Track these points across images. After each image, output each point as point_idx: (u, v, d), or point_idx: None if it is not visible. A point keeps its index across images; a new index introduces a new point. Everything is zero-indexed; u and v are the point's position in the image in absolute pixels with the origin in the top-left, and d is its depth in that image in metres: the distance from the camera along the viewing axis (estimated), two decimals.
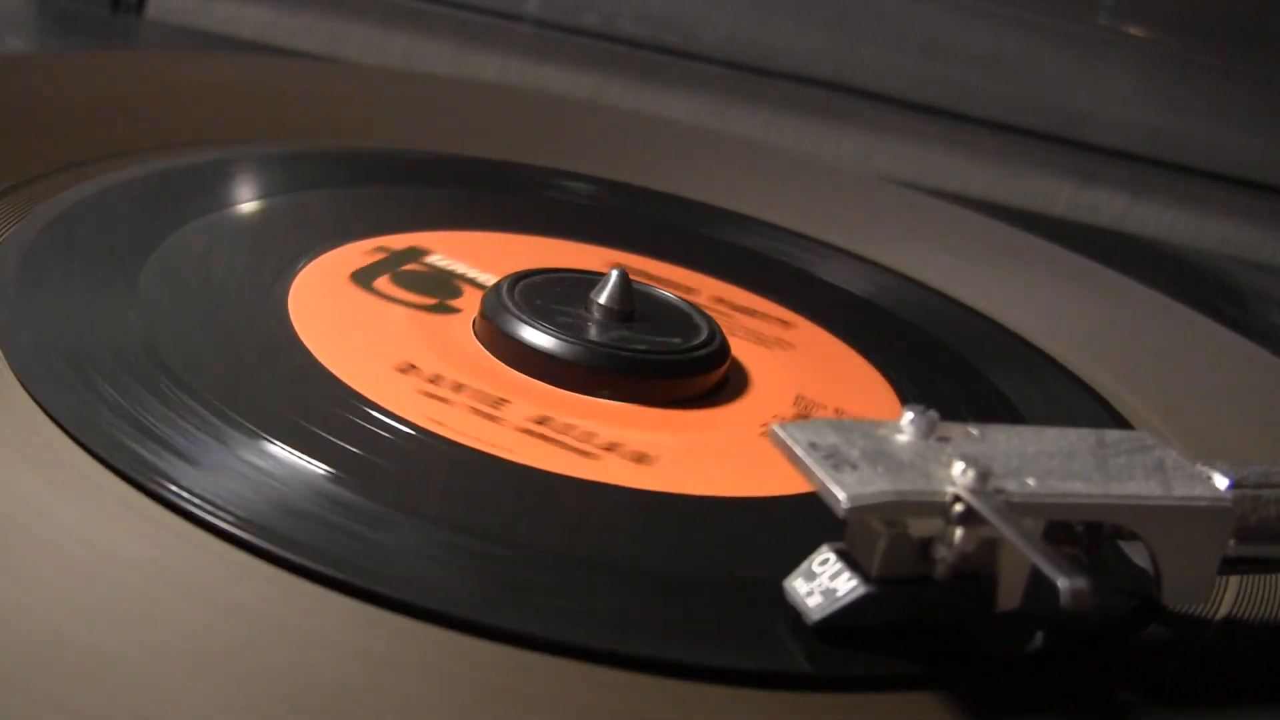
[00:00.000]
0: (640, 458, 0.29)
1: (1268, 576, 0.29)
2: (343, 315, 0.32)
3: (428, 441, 0.28)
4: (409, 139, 0.48)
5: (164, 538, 0.23)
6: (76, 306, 0.30)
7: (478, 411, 0.29)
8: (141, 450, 0.25)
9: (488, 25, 0.64)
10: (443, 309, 0.34)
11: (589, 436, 0.29)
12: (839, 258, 0.45)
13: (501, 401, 0.30)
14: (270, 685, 0.20)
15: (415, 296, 0.34)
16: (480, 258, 0.38)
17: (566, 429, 0.30)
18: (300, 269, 0.34)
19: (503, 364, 0.32)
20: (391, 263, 0.36)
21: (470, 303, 0.34)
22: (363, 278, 0.34)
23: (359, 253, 0.36)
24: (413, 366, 0.30)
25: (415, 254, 0.36)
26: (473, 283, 0.36)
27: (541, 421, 0.30)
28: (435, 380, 0.30)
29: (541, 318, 0.32)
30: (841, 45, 0.64)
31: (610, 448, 0.29)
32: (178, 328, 0.30)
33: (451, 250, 0.38)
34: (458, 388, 0.30)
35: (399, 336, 0.32)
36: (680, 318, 0.34)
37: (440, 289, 0.35)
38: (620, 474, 0.28)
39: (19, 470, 0.24)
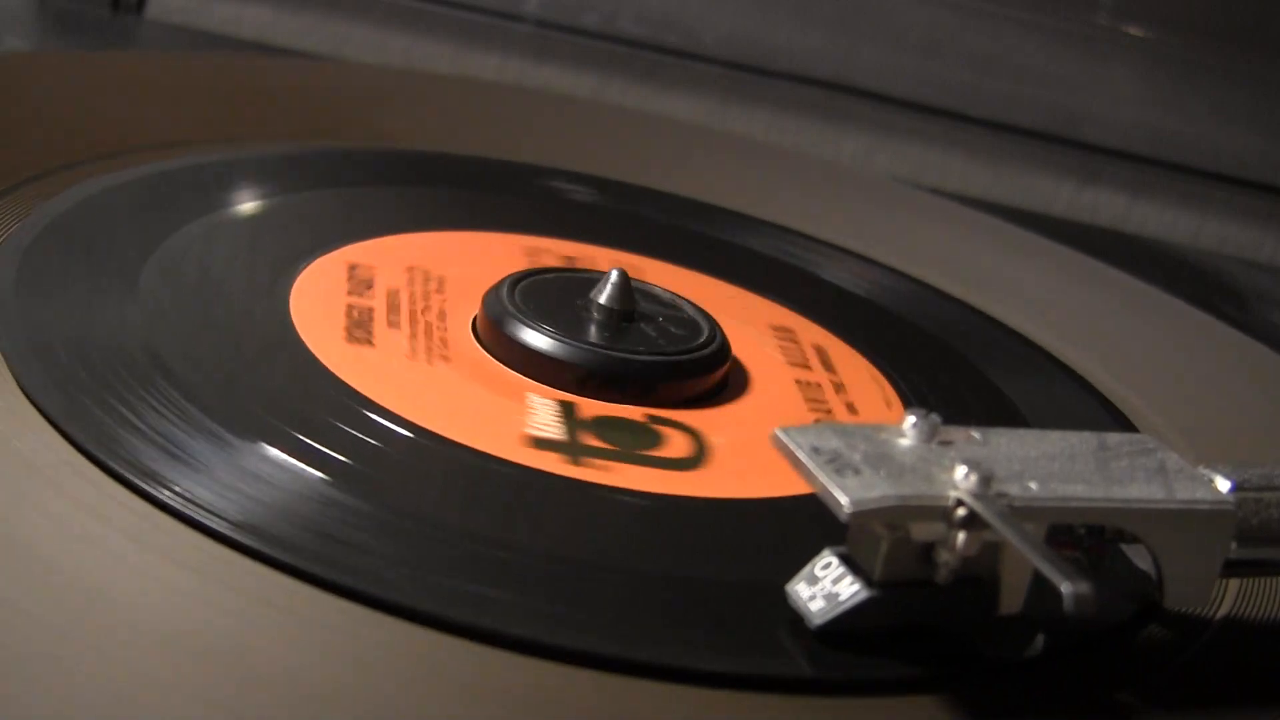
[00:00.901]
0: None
1: (1268, 578, 0.29)
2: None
3: (428, 442, 0.28)
4: (409, 139, 0.48)
5: (163, 540, 0.23)
6: (76, 306, 0.30)
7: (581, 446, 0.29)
8: (141, 452, 0.25)
9: (488, 25, 0.64)
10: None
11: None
12: (839, 257, 0.45)
13: (546, 418, 0.30)
14: (267, 688, 0.20)
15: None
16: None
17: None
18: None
19: (504, 365, 0.32)
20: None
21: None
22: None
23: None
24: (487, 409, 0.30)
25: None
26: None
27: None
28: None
29: (542, 319, 0.32)
30: (841, 45, 0.64)
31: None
32: (178, 328, 0.30)
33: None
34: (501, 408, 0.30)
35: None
36: (681, 317, 0.34)
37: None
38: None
39: (17, 471, 0.24)
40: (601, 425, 0.30)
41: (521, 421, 0.30)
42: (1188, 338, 0.47)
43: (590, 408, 0.31)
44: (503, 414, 0.30)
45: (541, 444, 0.29)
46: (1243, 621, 0.28)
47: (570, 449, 0.29)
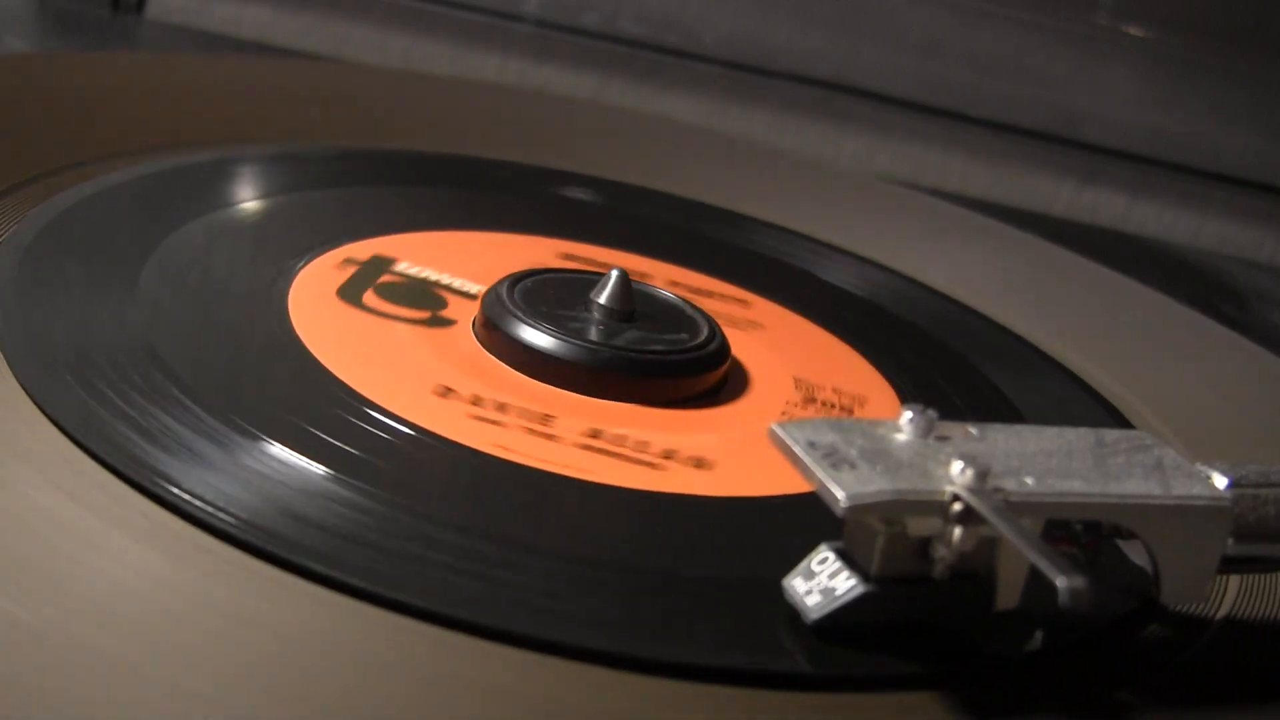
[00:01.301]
0: (639, 459, 0.29)
1: (1267, 576, 0.29)
2: (350, 335, 0.32)
3: (428, 442, 0.28)
4: (409, 139, 0.48)
5: (163, 539, 0.23)
6: (76, 306, 0.30)
7: (533, 431, 0.29)
8: (141, 451, 0.25)
9: (488, 25, 0.64)
10: (437, 321, 0.34)
11: (595, 435, 0.30)
12: (839, 257, 0.45)
13: (548, 417, 0.30)
14: (271, 686, 0.20)
15: (405, 310, 0.34)
16: (478, 258, 0.38)
17: (568, 429, 0.30)
18: (300, 269, 0.34)
19: (504, 365, 0.32)
20: (368, 275, 0.35)
21: (459, 312, 0.34)
22: (349, 293, 0.34)
23: (344, 258, 0.36)
24: (449, 390, 0.30)
25: (386, 264, 0.36)
26: (456, 291, 0.35)
27: (545, 420, 0.30)
28: (477, 402, 0.30)
29: (542, 319, 0.32)
30: (841, 45, 0.64)
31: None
32: (178, 328, 0.30)
33: (449, 250, 0.38)
34: (501, 407, 0.30)
35: (415, 356, 0.32)
36: (680, 317, 0.34)
37: (425, 300, 0.34)
38: (618, 475, 0.28)
39: (18, 471, 0.24)
40: (599, 425, 0.30)
41: (518, 420, 0.30)
42: (1188, 338, 0.47)
43: (588, 407, 0.31)
44: (501, 412, 0.30)
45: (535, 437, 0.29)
46: (1243, 621, 0.28)
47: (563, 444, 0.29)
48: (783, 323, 0.39)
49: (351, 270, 0.35)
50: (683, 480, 0.29)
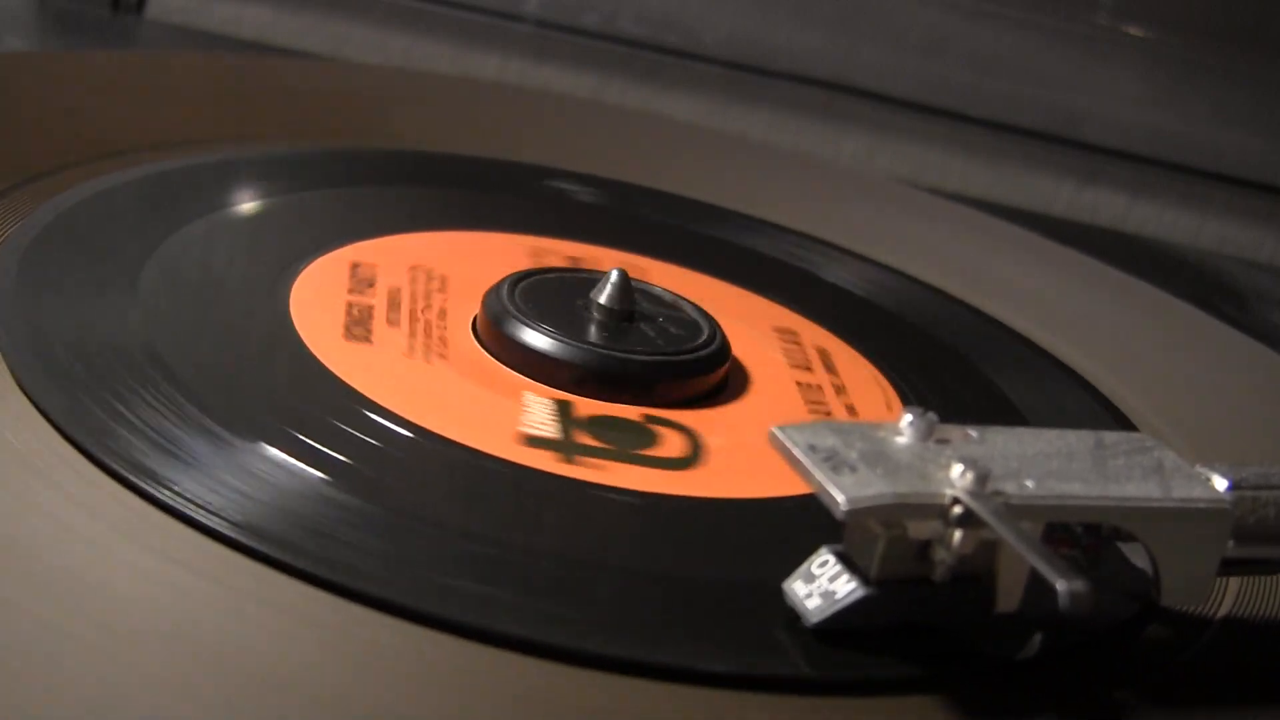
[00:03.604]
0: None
1: (1268, 577, 0.29)
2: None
3: (428, 443, 0.28)
4: (409, 139, 0.48)
5: (163, 540, 0.23)
6: (76, 306, 0.30)
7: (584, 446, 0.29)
8: (140, 453, 0.25)
9: (488, 25, 0.64)
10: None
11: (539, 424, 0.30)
12: (839, 257, 0.45)
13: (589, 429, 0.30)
14: (265, 688, 0.20)
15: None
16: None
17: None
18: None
19: (502, 364, 0.32)
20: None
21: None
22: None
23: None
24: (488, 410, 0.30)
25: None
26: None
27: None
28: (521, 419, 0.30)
29: (542, 319, 0.32)
30: (841, 45, 0.64)
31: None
32: (178, 328, 0.30)
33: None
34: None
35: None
36: (680, 317, 0.34)
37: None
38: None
39: (16, 472, 0.24)
40: (597, 424, 0.30)
41: (517, 420, 0.30)
42: (1188, 338, 0.47)
43: (588, 407, 0.31)
44: (500, 413, 0.30)
45: (535, 442, 0.29)
46: (1243, 621, 0.28)
47: (564, 448, 0.29)
48: (782, 322, 0.39)
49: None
50: (679, 481, 0.29)
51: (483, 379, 0.31)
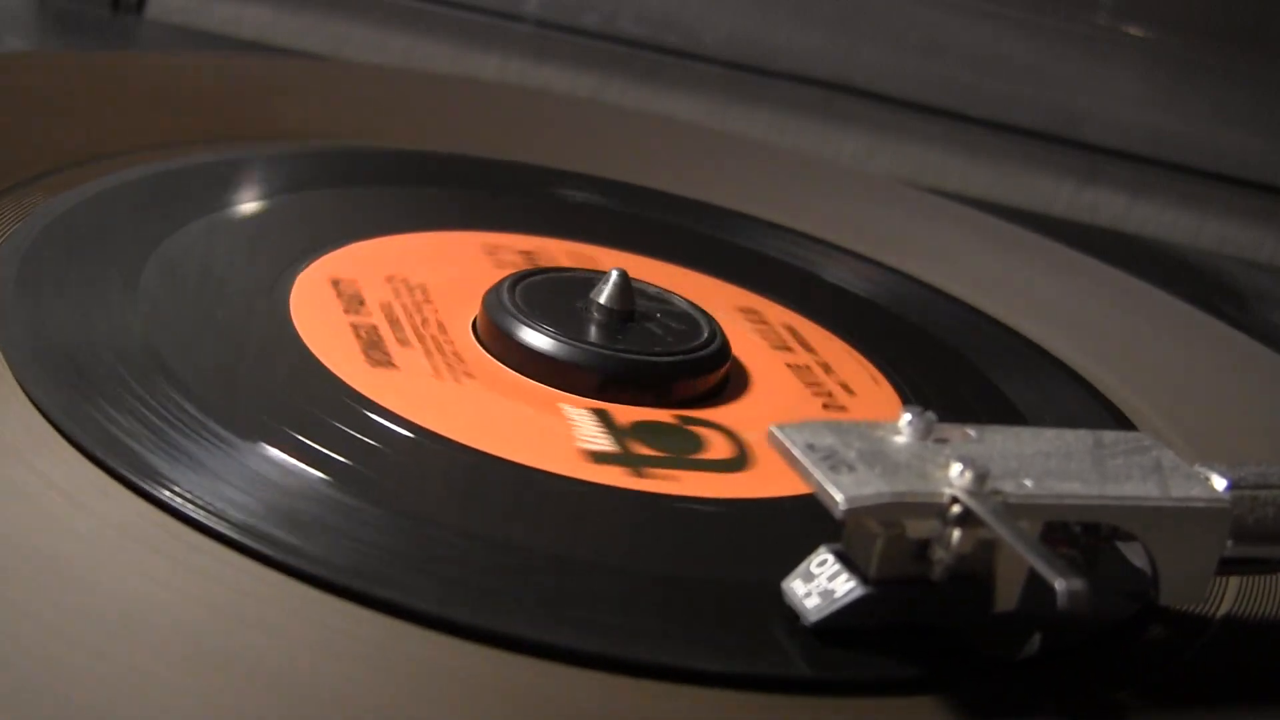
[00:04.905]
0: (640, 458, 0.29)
1: (1267, 576, 0.29)
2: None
3: (428, 442, 0.28)
4: (409, 139, 0.48)
5: (163, 540, 0.23)
6: (76, 307, 0.30)
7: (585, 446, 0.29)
8: (141, 452, 0.25)
9: (488, 25, 0.64)
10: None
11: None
12: (839, 257, 0.45)
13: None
14: (269, 689, 0.20)
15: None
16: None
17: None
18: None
19: (503, 365, 0.32)
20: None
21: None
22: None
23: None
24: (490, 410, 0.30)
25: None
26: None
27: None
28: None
29: (543, 319, 0.32)
30: (841, 45, 0.64)
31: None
32: (178, 328, 0.30)
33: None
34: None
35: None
36: (680, 317, 0.34)
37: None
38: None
39: (17, 472, 0.24)
40: (642, 431, 0.30)
41: (570, 436, 0.29)
42: (1188, 338, 0.47)
43: (623, 414, 0.31)
44: (499, 413, 0.30)
45: (601, 458, 0.29)
46: (1243, 621, 0.28)
47: (628, 460, 0.29)
48: (781, 321, 0.39)
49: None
50: (677, 482, 0.29)
51: (517, 393, 0.31)
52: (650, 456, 0.29)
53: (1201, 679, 0.26)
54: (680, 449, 0.30)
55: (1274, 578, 0.29)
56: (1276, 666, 0.27)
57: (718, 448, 0.30)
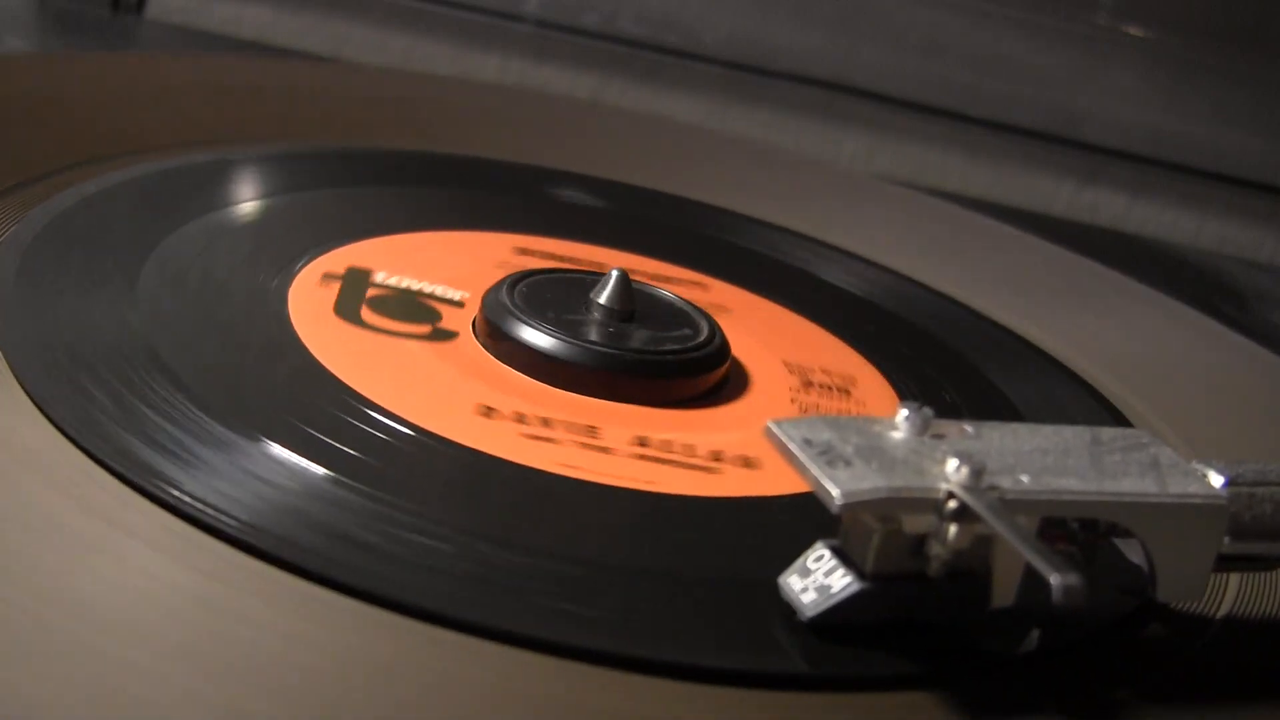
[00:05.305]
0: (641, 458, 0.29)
1: (1267, 575, 0.29)
2: (369, 356, 0.31)
3: (428, 442, 0.28)
4: (409, 139, 0.48)
5: (163, 540, 0.23)
6: (76, 306, 0.30)
7: (586, 446, 0.29)
8: (141, 452, 0.25)
9: (488, 25, 0.64)
10: (439, 335, 0.33)
11: (592, 431, 0.30)
12: (839, 258, 0.45)
13: (594, 429, 0.30)
14: (272, 688, 0.20)
15: (404, 325, 0.33)
16: (481, 257, 0.38)
17: (570, 428, 0.30)
18: (300, 269, 0.34)
19: (503, 365, 0.32)
20: (356, 290, 0.34)
21: (456, 323, 0.33)
22: (345, 311, 0.33)
23: (324, 273, 0.35)
24: (490, 409, 0.30)
25: (365, 278, 0.35)
26: (446, 301, 0.35)
27: (547, 423, 0.30)
28: (522, 419, 0.29)
29: (543, 319, 0.32)
30: (841, 45, 0.64)
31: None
32: (178, 328, 0.30)
33: (451, 250, 0.38)
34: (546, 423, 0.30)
35: (435, 372, 0.31)
36: (680, 317, 0.34)
37: (420, 313, 0.34)
38: (617, 477, 0.28)
39: (17, 472, 0.24)
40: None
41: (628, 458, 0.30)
42: (1188, 338, 0.47)
43: (594, 408, 0.31)
44: (503, 414, 0.30)
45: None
46: (1243, 620, 0.28)
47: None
48: (781, 321, 0.39)
49: (336, 286, 0.34)
50: (676, 482, 0.29)
51: (552, 405, 0.31)
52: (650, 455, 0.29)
53: (1201, 678, 0.26)
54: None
55: (1274, 577, 0.29)
56: (1276, 666, 0.27)
57: (717, 447, 0.30)
